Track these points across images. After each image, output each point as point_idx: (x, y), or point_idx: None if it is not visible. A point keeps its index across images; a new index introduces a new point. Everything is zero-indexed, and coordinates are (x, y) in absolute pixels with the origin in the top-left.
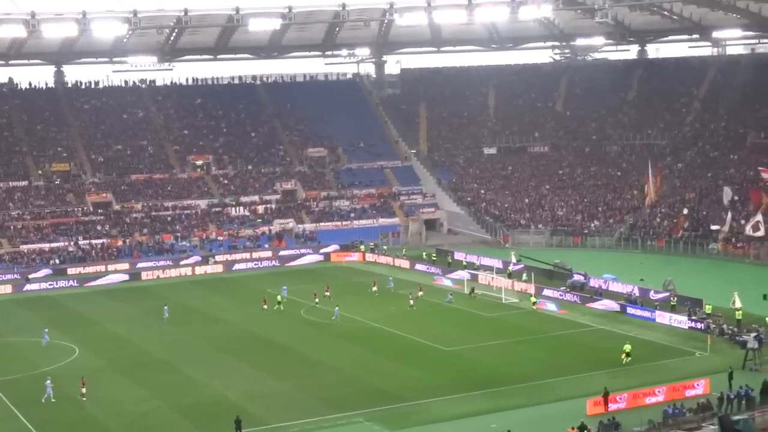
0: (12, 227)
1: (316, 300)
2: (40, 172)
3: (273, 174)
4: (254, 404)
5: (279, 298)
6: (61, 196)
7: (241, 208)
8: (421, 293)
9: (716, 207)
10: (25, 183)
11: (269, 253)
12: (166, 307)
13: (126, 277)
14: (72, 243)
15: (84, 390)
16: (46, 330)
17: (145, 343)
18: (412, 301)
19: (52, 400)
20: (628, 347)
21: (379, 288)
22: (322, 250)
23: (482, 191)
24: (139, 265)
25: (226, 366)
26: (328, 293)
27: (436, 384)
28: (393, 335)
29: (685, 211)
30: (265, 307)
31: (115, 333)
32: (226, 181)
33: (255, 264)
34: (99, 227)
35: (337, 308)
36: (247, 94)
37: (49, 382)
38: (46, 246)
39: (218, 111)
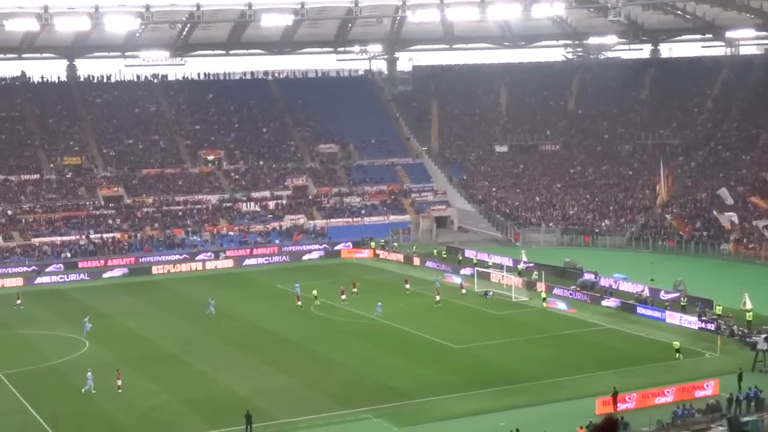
0: (24, 220)
1: (343, 297)
2: (51, 165)
3: (284, 170)
4: (263, 399)
5: (315, 293)
6: (72, 190)
7: (252, 203)
8: (464, 291)
9: (727, 207)
10: (36, 176)
11: (279, 249)
12: (212, 301)
13: (136, 271)
14: (83, 237)
15: (120, 382)
16: (87, 318)
17: (155, 336)
18: (438, 297)
19: (92, 390)
20: (677, 344)
21: (412, 286)
22: (335, 247)
23: (493, 189)
24: (149, 259)
25: (235, 361)
26: (355, 290)
27: (445, 381)
28: (402, 332)
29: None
30: (299, 303)
31: (125, 327)
32: (237, 177)
33: (266, 260)
34: (110, 221)
35: (379, 303)
36: (259, 89)
37: (90, 374)
38: (57, 239)
39: (230, 106)
